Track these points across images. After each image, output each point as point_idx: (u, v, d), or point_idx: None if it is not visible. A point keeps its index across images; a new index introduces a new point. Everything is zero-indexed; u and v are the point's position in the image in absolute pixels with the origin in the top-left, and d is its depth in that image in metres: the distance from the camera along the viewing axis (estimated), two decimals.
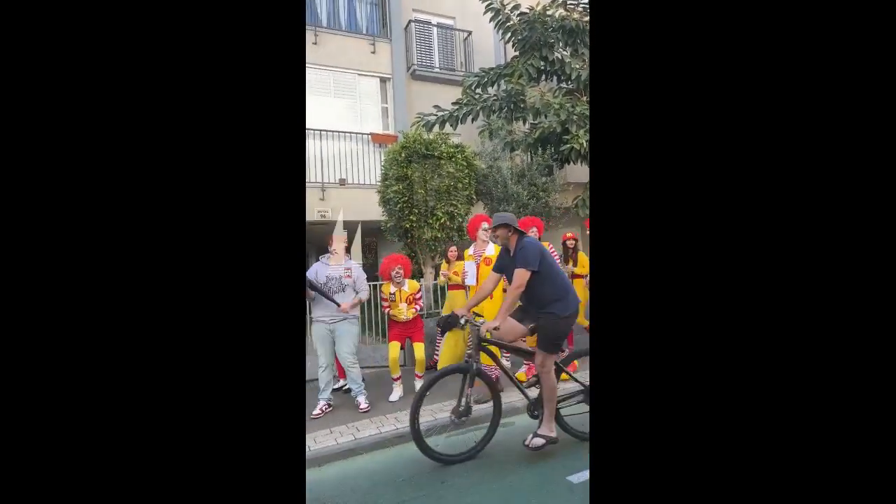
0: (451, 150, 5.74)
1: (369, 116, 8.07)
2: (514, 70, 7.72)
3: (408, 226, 5.56)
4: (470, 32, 9.16)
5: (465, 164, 5.83)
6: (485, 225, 3.95)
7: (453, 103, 7.63)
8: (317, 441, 3.17)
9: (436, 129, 7.13)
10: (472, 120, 7.63)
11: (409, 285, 4.23)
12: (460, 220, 5.67)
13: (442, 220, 5.51)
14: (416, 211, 5.51)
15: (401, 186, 5.53)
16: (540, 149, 7.01)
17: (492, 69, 8.10)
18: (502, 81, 7.93)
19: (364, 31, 8.23)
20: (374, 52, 8.06)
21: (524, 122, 7.61)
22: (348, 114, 7.90)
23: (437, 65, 8.99)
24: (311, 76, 7.55)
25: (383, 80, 8.23)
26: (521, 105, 7.44)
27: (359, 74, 7.96)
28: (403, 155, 5.58)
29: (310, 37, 7.48)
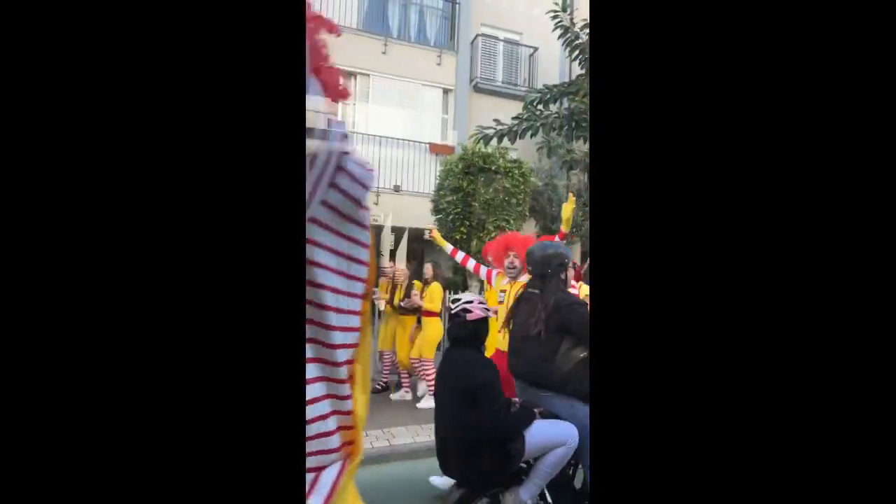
0: (509, 165, 5.72)
1: (429, 126, 8.20)
2: (580, 88, 7.59)
3: (458, 237, 5.57)
4: (536, 48, 9.14)
5: (521, 179, 5.79)
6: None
7: (513, 118, 7.61)
8: None
9: (493, 142, 7.14)
10: (531, 136, 7.57)
11: None
12: None
13: (492, 235, 5.48)
14: (468, 223, 5.51)
15: (455, 198, 5.56)
16: None
17: (555, 86, 8.01)
18: (565, 99, 7.83)
19: (432, 43, 8.40)
20: (439, 64, 8.20)
21: (584, 142, 7.46)
22: (409, 122, 8.06)
23: (500, 79, 9.03)
24: (377, 84, 7.78)
25: (446, 92, 8.35)
26: (583, 124, 7.29)
27: (423, 85, 8.12)
28: (461, 167, 5.62)
29: (379, 46, 7.73)
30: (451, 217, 5.59)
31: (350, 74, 7.67)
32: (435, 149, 7.95)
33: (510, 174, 5.65)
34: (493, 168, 5.60)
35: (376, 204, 7.44)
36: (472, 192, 5.51)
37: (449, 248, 3.05)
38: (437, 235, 3.10)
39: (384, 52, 7.76)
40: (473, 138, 7.26)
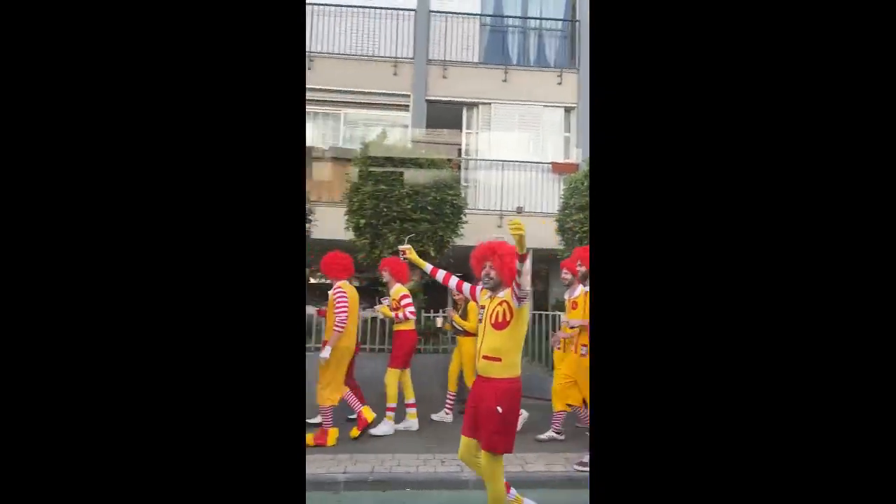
0: None
1: (551, 146, 8.15)
2: None
3: None
4: None
5: None
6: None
7: None
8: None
9: None
10: None
11: (395, 290, 3.89)
12: None
13: None
14: None
15: (582, 216, 5.39)
16: None
17: None
18: None
19: (552, 64, 8.42)
20: (560, 84, 8.16)
21: None
22: (531, 144, 8.12)
23: None
24: (498, 111, 8.03)
25: (567, 110, 8.24)
26: None
27: (544, 106, 8.14)
28: (586, 184, 5.45)
29: (500, 75, 8.00)
30: (577, 236, 5.42)
31: (472, 105, 8.06)
32: (557, 168, 7.84)
33: None
34: None
35: (500, 227, 7.58)
36: None
37: (428, 267, 2.73)
38: (412, 255, 2.77)
39: (504, 80, 8.00)
40: None
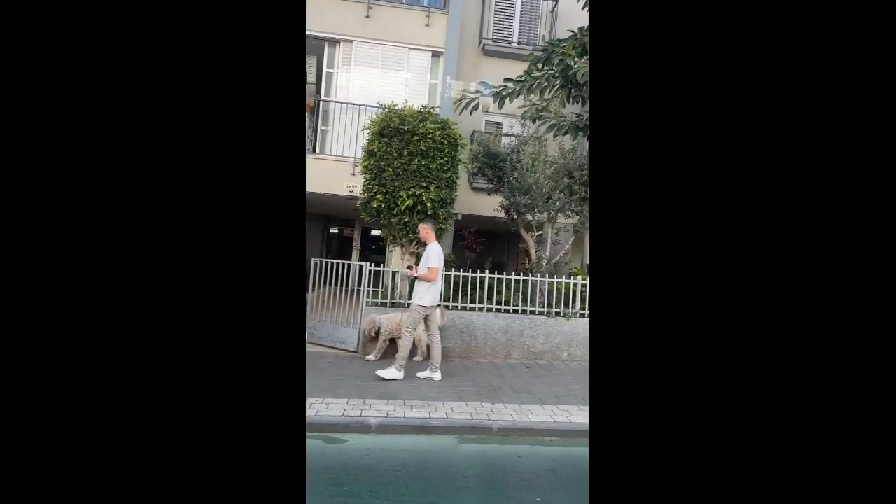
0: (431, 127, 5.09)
1: (417, 92, 7.72)
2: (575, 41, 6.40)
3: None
4: (556, 2, 7.97)
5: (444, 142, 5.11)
6: None
7: (505, 79, 6.74)
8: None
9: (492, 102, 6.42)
10: (526, 98, 6.64)
11: None
12: None
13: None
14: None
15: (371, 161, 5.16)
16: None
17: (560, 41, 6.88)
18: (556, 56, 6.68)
19: (422, 2, 7.85)
20: (427, 25, 7.62)
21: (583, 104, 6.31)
22: (393, 89, 7.69)
23: (516, 39, 8.10)
24: (361, 50, 7.54)
25: (435, 55, 7.73)
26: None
27: (409, 49, 7.63)
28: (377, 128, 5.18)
29: (363, 10, 7.44)
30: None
31: (333, 42, 7.56)
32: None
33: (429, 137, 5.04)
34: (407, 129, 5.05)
35: (353, 175, 7.31)
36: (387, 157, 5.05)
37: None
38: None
39: (367, 16, 7.47)
40: (457, 104, 6.62)
